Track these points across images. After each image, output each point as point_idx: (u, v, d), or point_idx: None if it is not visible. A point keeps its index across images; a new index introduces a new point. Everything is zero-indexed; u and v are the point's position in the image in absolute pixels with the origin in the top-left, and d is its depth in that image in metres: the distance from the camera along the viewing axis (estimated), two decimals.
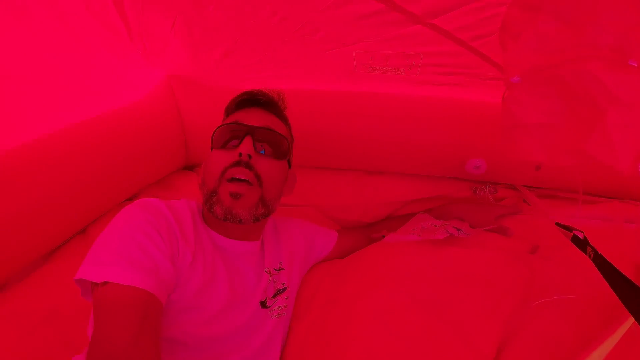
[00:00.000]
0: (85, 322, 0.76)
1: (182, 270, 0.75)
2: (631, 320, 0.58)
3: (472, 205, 1.11)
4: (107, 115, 1.07)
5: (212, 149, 0.90)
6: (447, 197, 1.25)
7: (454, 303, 0.78)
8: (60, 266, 1.02)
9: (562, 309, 0.72)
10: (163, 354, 0.68)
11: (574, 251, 0.84)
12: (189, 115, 1.27)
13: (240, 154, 0.83)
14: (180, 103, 1.25)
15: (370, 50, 0.88)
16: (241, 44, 0.92)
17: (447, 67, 0.90)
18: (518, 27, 0.66)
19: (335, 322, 0.82)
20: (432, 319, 0.75)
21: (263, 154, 0.87)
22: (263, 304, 0.88)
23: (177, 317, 0.74)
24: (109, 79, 1.09)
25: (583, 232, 0.70)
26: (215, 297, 0.79)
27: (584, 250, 0.67)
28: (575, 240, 0.70)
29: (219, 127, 0.89)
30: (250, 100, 0.96)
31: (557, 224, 0.77)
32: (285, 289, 0.94)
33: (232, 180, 0.82)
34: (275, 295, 0.91)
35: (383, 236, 1.02)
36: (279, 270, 0.96)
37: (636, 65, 0.52)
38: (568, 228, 0.73)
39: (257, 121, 0.89)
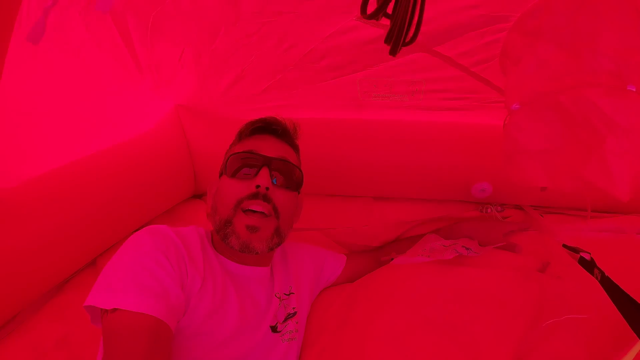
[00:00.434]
0: (96, 349, 0.76)
1: (191, 295, 0.74)
2: None
3: (480, 223, 1.10)
4: (116, 147, 1.08)
5: (221, 175, 0.91)
6: (454, 217, 1.25)
7: (466, 324, 0.77)
8: (70, 297, 1.02)
9: (574, 329, 0.71)
10: None
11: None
12: (197, 144, 1.28)
13: (258, 186, 0.83)
14: (188, 133, 1.25)
15: (374, 78, 0.89)
16: (248, 73, 0.93)
17: (451, 92, 0.91)
18: (518, 52, 0.68)
19: (349, 346, 0.81)
20: (445, 340, 0.74)
21: (276, 184, 0.87)
22: (274, 329, 0.87)
23: (187, 342, 0.74)
24: (118, 111, 1.09)
25: (590, 254, 0.69)
26: (225, 322, 0.78)
27: (591, 272, 0.67)
28: (583, 262, 0.70)
29: (233, 154, 0.89)
30: (266, 128, 0.95)
31: (564, 245, 0.76)
32: (295, 313, 0.93)
33: (248, 211, 0.82)
34: (285, 320, 0.90)
35: (392, 259, 1.01)
36: (288, 294, 0.95)
37: (635, 89, 0.53)
38: (575, 250, 0.73)
39: (272, 151, 0.89)
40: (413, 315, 0.81)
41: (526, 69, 0.63)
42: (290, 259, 1.02)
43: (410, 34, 0.51)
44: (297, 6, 0.72)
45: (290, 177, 0.91)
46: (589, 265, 0.68)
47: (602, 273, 0.63)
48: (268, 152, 0.88)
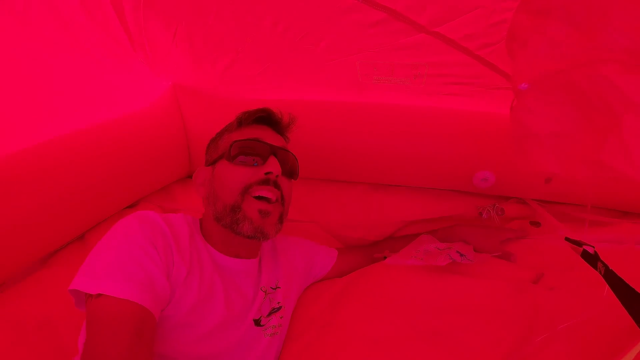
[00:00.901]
0: (78, 331, 0.75)
1: (177, 285, 0.74)
2: None
3: (477, 229, 1.09)
4: (110, 122, 1.07)
5: (215, 161, 0.91)
6: (452, 218, 1.23)
7: (455, 335, 0.76)
8: (56, 272, 1.01)
9: (566, 340, 0.69)
10: None
11: (578, 277, 0.82)
12: (193, 124, 1.27)
13: (269, 173, 0.85)
14: (185, 112, 1.24)
15: (374, 60, 0.86)
16: (244, 55, 0.91)
17: (453, 77, 0.88)
18: (526, 34, 0.64)
19: (330, 347, 0.80)
20: (431, 349, 0.74)
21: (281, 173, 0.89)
22: (257, 322, 0.87)
23: (170, 333, 0.73)
24: (115, 87, 1.08)
25: (594, 247, 0.66)
26: (210, 314, 0.78)
27: (594, 266, 0.63)
28: (585, 255, 0.67)
29: (238, 140, 0.89)
30: (267, 119, 0.96)
31: (567, 238, 0.73)
32: (280, 308, 0.93)
33: (257, 197, 0.84)
34: (270, 314, 0.90)
35: (385, 257, 1.01)
36: (275, 289, 0.95)
37: None
38: (578, 243, 0.70)
39: (274, 141, 0.91)
40: (401, 322, 0.81)
41: (535, 50, 0.60)
42: (280, 253, 1.02)
43: None
44: None
45: (292, 167, 0.95)
46: (592, 259, 0.65)
47: (606, 267, 0.60)
48: (271, 141, 0.90)
